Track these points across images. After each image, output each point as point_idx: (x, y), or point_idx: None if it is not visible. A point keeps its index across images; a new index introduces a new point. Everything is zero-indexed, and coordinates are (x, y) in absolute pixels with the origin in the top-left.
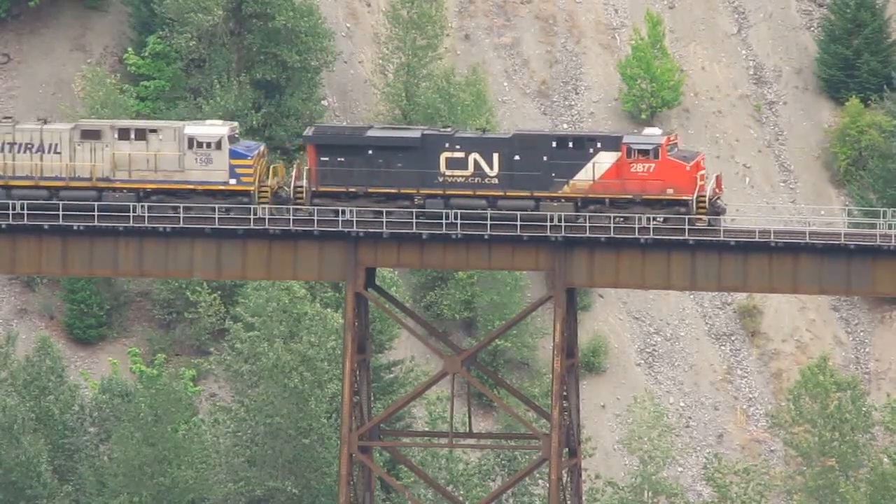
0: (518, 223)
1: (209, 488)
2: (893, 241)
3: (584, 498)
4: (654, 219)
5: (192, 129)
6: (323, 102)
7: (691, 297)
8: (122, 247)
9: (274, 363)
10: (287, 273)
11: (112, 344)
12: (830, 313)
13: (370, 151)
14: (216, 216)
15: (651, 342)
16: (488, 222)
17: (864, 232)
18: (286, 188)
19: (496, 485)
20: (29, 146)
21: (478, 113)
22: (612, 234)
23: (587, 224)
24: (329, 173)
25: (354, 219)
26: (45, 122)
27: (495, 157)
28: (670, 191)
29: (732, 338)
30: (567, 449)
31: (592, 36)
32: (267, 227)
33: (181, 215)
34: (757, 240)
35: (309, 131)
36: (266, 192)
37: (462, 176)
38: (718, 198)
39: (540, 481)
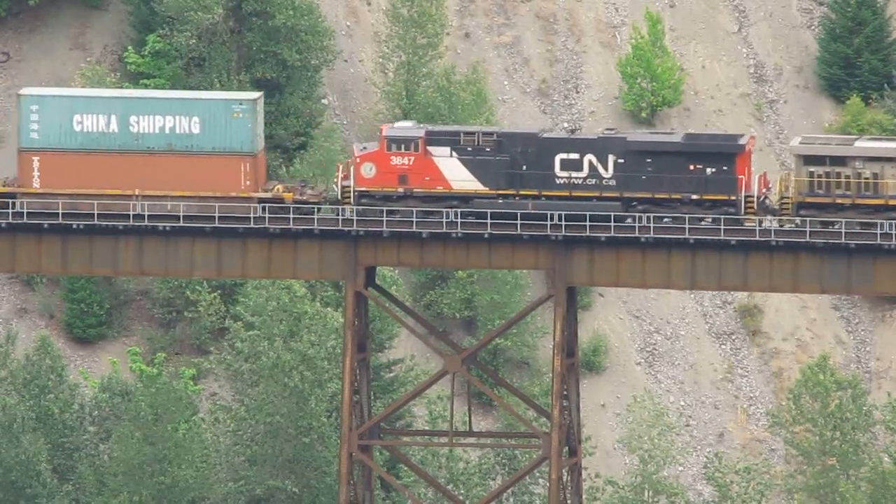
0: (518, 222)
1: (209, 487)
2: (894, 240)
3: (584, 497)
4: None
5: None
6: (323, 101)
7: (692, 296)
8: (122, 246)
9: (274, 362)
10: (287, 272)
11: (112, 343)
12: (831, 312)
13: None
14: (216, 215)
15: (651, 341)
16: (488, 221)
17: (865, 231)
18: None
19: (496, 484)
20: None
21: (478, 112)
22: (612, 233)
23: (587, 223)
24: None
25: (354, 218)
26: None
27: None
28: None
29: (733, 337)
30: (567, 448)
31: (593, 34)
32: (267, 225)
33: (181, 214)
34: (757, 239)
35: None
36: None
37: None
38: None
39: (540, 480)
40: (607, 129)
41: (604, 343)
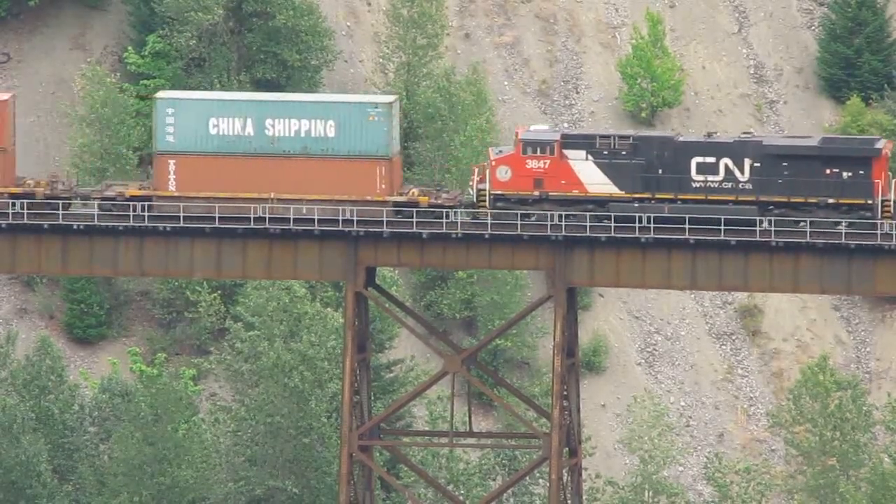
0: (518, 222)
1: (209, 488)
2: (894, 240)
3: (584, 497)
4: None
5: None
6: None
7: (692, 296)
8: (123, 246)
9: (274, 362)
10: (287, 272)
11: (112, 343)
12: (831, 313)
13: None
14: (216, 216)
15: (651, 341)
16: (489, 221)
17: (865, 231)
18: None
19: (496, 484)
20: None
21: (478, 112)
22: (612, 234)
23: (587, 223)
24: None
25: (355, 218)
26: None
27: None
28: None
29: (733, 337)
30: (567, 448)
31: (593, 35)
32: (267, 226)
33: (181, 215)
34: (758, 239)
35: None
36: None
37: None
38: None
39: (540, 480)
40: (744, 133)
41: (604, 343)
